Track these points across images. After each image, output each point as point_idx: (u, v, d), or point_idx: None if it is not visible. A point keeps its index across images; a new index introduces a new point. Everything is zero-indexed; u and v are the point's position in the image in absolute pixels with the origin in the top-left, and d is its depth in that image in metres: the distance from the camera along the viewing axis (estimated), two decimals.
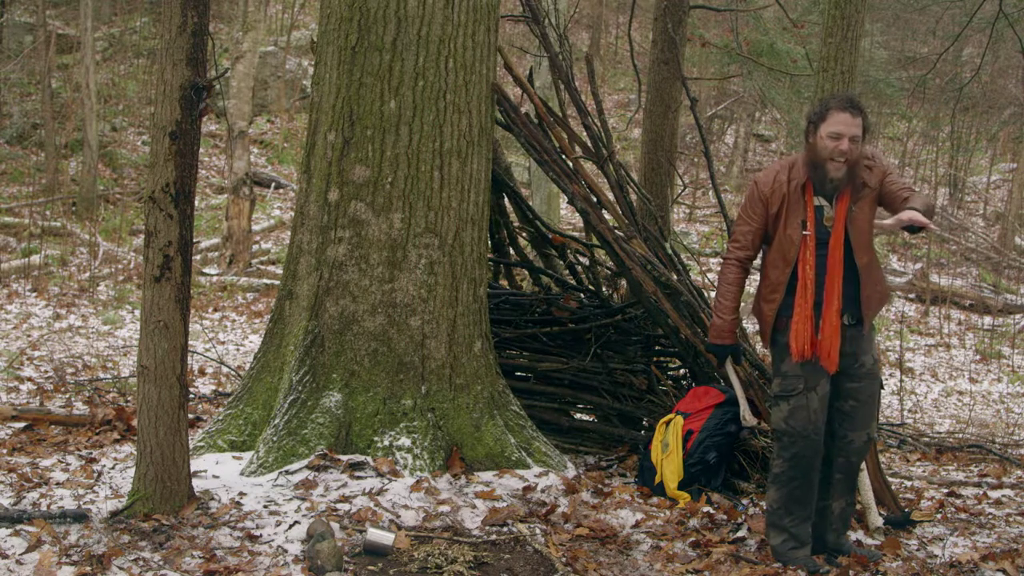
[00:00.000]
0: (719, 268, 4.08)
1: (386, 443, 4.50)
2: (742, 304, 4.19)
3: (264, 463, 4.37)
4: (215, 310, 11.77)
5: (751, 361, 5.08)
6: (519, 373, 5.73)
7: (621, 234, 5.25)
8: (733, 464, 4.93)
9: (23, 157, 17.53)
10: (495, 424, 4.73)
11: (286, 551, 3.61)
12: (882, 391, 4.08)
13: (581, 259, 6.13)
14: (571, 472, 4.80)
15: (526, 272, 6.47)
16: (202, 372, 7.93)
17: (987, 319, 14.68)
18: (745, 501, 4.64)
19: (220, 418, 4.78)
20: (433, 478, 4.39)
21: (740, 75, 15.67)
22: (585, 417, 6.00)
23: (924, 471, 6.10)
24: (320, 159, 4.75)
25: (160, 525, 3.71)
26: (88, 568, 3.34)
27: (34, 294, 11.72)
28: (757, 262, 4.08)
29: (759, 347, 6.15)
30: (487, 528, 3.99)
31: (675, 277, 5.22)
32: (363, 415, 4.56)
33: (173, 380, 3.79)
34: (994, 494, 5.35)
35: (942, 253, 17.95)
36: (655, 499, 4.64)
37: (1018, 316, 14.94)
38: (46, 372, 7.42)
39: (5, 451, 4.85)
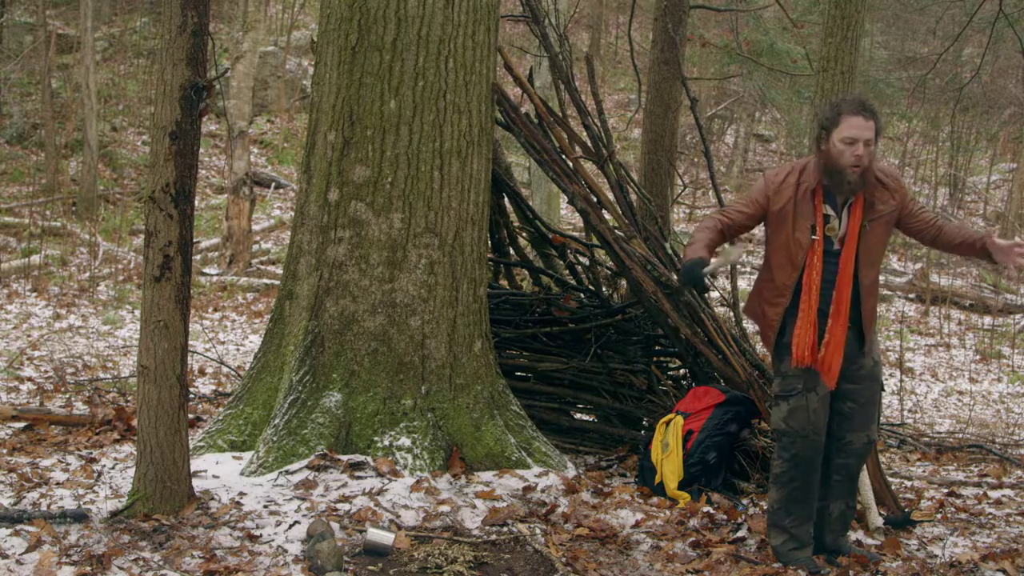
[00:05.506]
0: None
1: (386, 443, 4.50)
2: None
3: (264, 463, 4.37)
4: (215, 310, 11.77)
5: (751, 361, 5.08)
6: (519, 373, 5.73)
7: (621, 234, 5.24)
8: (733, 464, 4.93)
9: (23, 157, 17.52)
10: (495, 424, 4.73)
11: (286, 551, 3.61)
12: (882, 392, 4.07)
13: (581, 259, 6.13)
14: (571, 472, 4.80)
15: (526, 272, 6.47)
16: (202, 372, 7.93)
17: (987, 319, 14.68)
18: (745, 501, 4.64)
19: (220, 418, 4.78)
20: (433, 478, 4.39)
21: (740, 75, 15.68)
22: (585, 417, 6.00)
23: (924, 471, 6.10)
24: (320, 159, 4.76)
25: (160, 525, 3.71)
26: (88, 568, 3.34)
27: (34, 294, 11.72)
28: (758, 261, 4.07)
29: (759, 347, 6.15)
30: (487, 528, 3.99)
31: (675, 277, 5.22)
32: (363, 415, 4.56)
33: (173, 380, 3.79)
34: (994, 494, 5.35)
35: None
36: (655, 499, 4.64)
37: (1018, 316, 14.94)
38: (46, 372, 7.42)
39: (5, 451, 4.85)
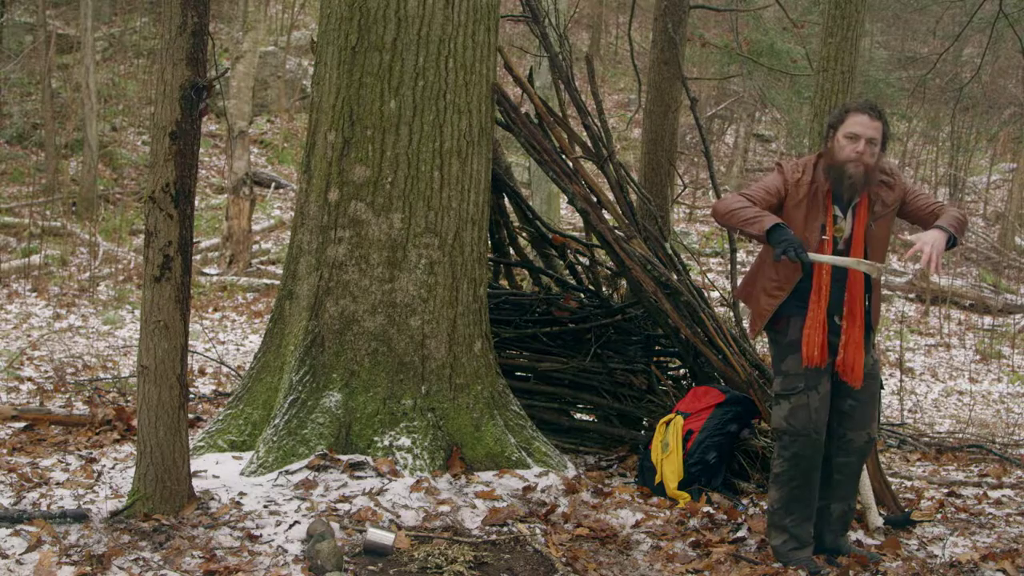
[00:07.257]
0: (727, 199, 3.82)
1: (386, 443, 4.50)
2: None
3: (264, 463, 4.37)
4: (215, 310, 11.77)
5: (751, 361, 5.08)
6: (519, 373, 5.72)
7: (621, 234, 5.24)
8: (733, 464, 4.93)
9: (23, 157, 17.52)
10: (495, 424, 4.73)
11: (286, 551, 3.61)
12: (882, 391, 4.07)
13: (581, 259, 6.13)
14: (571, 472, 4.79)
15: (526, 272, 6.47)
16: (202, 372, 7.93)
17: (987, 319, 14.68)
18: (745, 501, 4.64)
19: (220, 418, 4.78)
20: (433, 478, 4.39)
21: (740, 75, 15.69)
22: (585, 417, 6.00)
23: (924, 471, 6.10)
24: (320, 159, 4.75)
25: (160, 525, 3.71)
26: (88, 568, 3.34)
27: (34, 294, 11.72)
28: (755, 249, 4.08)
29: (760, 347, 6.15)
30: (487, 528, 3.99)
31: (675, 277, 5.22)
32: (363, 415, 4.56)
33: (173, 380, 3.79)
34: (994, 494, 5.35)
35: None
36: (655, 499, 4.64)
37: (1018, 316, 14.94)
38: (46, 372, 7.42)
39: (5, 451, 4.85)
